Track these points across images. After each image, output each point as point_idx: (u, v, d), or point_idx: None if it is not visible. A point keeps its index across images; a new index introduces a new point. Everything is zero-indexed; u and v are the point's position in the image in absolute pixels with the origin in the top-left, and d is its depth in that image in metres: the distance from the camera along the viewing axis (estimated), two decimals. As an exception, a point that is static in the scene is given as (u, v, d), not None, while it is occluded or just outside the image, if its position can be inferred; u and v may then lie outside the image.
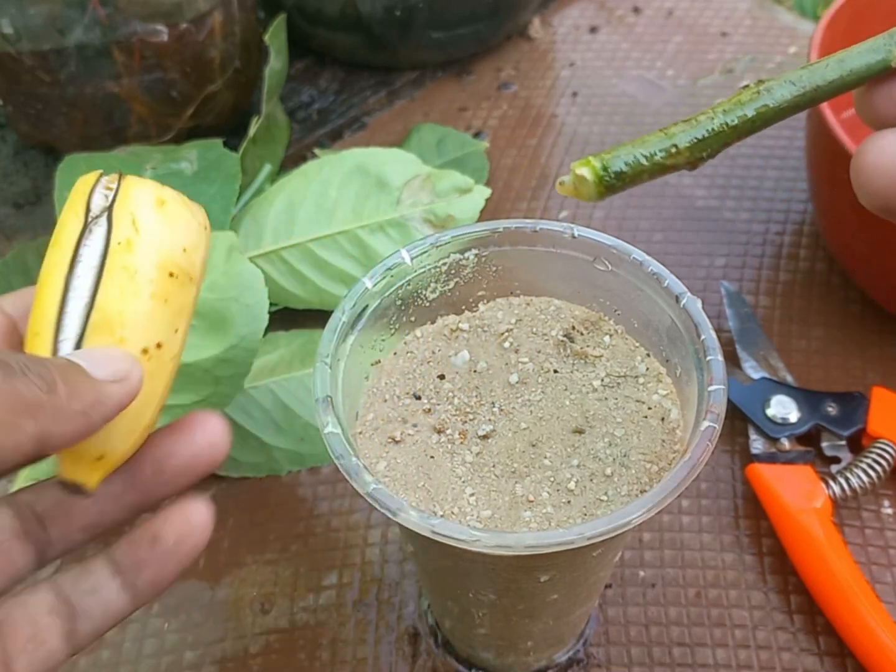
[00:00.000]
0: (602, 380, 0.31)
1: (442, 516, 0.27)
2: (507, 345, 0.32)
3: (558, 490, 0.28)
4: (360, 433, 0.30)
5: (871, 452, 0.42)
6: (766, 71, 0.63)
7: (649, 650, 0.39)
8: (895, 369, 0.47)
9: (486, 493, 0.28)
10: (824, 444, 0.43)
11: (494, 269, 0.32)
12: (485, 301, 0.33)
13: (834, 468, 0.42)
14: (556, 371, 0.31)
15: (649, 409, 0.30)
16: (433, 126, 0.57)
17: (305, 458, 0.43)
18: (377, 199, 0.45)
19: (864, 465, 0.41)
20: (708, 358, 0.28)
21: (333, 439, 0.26)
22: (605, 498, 0.28)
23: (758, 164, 0.57)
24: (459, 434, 0.30)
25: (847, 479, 0.41)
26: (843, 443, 0.43)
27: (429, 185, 0.45)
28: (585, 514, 0.27)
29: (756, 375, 0.45)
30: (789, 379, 0.45)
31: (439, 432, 0.30)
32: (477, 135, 0.59)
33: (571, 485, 0.28)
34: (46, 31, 0.49)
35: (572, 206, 0.56)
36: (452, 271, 0.32)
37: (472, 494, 0.28)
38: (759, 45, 0.65)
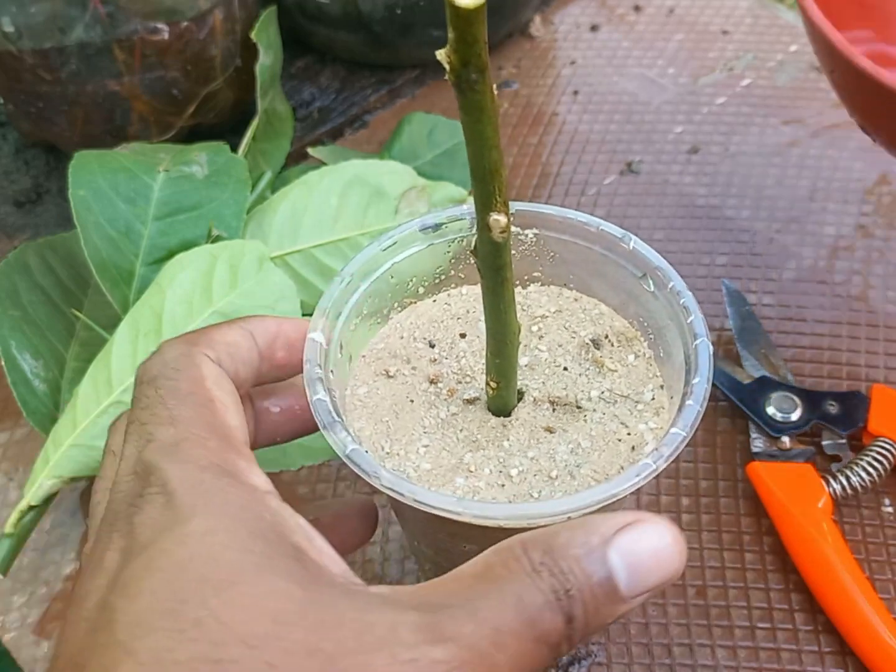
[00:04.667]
0: (602, 392, 0.31)
1: (387, 454, 0.29)
2: (534, 328, 0.32)
3: (500, 472, 0.28)
4: (364, 357, 0.31)
5: (871, 451, 0.42)
6: (766, 69, 0.63)
7: (650, 648, 0.39)
8: (896, 368, 0.47)
9: (437, 450, 0.29)
10: (825, 443, 0.43)
11: (551, 255, 0.33)
12: (539, 284, 0.33)
13: (834, 466, 0.42)
14: (565, 369, 0.31)
15: (628, 434, 0.30)
16: (423, 115, 0.57)
17: (317, 451, 0.44)
18: (377, 208, 0.46)
19: (865, 464, 0.41)
20: (688, 402, 0.28)
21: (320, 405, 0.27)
22: (535, 495, 0.28)
23: (759, 163, 0.57)
24: (448, 391, 0.30)
25: (848, 478, 0.41)
26: (844, 441, 0.43)
27: (424, 195, 0.46)
28: (508, 503, 0.28)
29: (757, 374, 0.45)
30: (790, 377, 0.45)
31: (432, 382, 0.31)
32: (478, 133, 0.59)
33: (513, 472, 0.28)
34: (47, 29, 0.49)
35: (573, 204, 0.55)
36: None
37: (425, 446, 0.29)
38: (760, 44, 0.65)
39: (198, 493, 0.22)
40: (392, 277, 0.31)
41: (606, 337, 0.32)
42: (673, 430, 0.27)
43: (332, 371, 0.29)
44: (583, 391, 0.31)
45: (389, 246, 0.31)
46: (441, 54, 0.20)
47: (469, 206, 0.31)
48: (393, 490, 0.25)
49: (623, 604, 0.22)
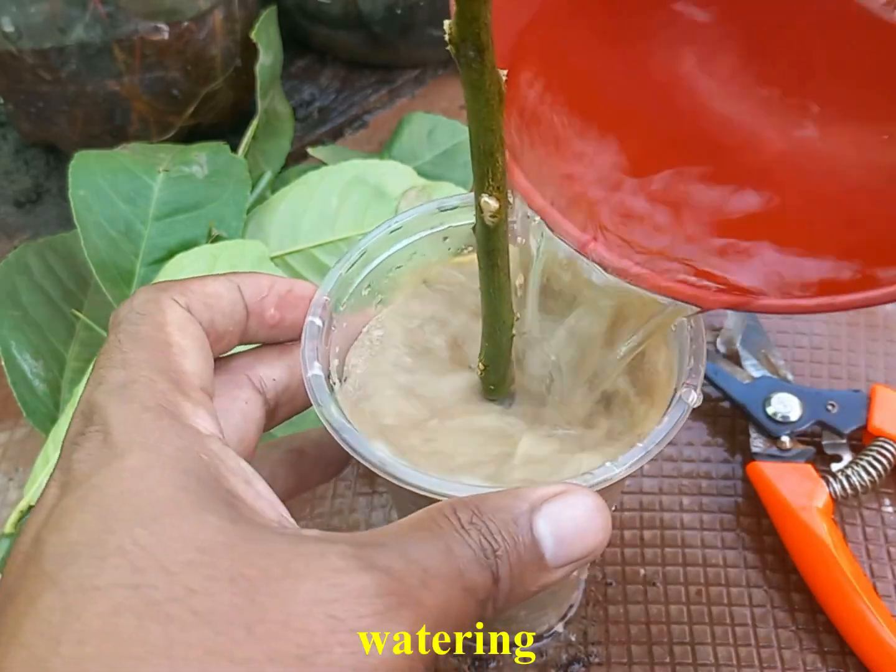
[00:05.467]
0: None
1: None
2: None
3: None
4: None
5: (871, 451, 0.42)
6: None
7: (650, 648, 0.39)
8: (896, 367, 0.47)
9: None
10: (825, 443, 0.43)
11: None
12: None
13: (835, 466, 0.42)
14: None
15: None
16: (423, 115, 0.57)
17: None
18: (376, 209, 0.46)
19: (865, 464, 0.41)
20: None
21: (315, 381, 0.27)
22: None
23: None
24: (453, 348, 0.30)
25: (848, 478, 0.41)
26: (844, 441, 0.43)
27: (424, 196, 0.46)
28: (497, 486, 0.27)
29: (757, 373, 0.45)
30: (790, 377, 0.45)
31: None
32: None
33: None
34: (47, 29, 0.49)
35: (573, 204, 0.55)
36: None
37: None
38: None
39: (136, 431, 0.22)
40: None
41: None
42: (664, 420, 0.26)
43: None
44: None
45: (397, 229, 0.30)
46: (446, 23, 0.20)
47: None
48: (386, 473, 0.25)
49: (548, 572, 0.22)
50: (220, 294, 0.27)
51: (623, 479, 0.25)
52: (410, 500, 0.27)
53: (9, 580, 0.21)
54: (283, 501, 0.24)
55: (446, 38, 0.20)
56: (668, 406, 0.26)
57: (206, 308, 0.26)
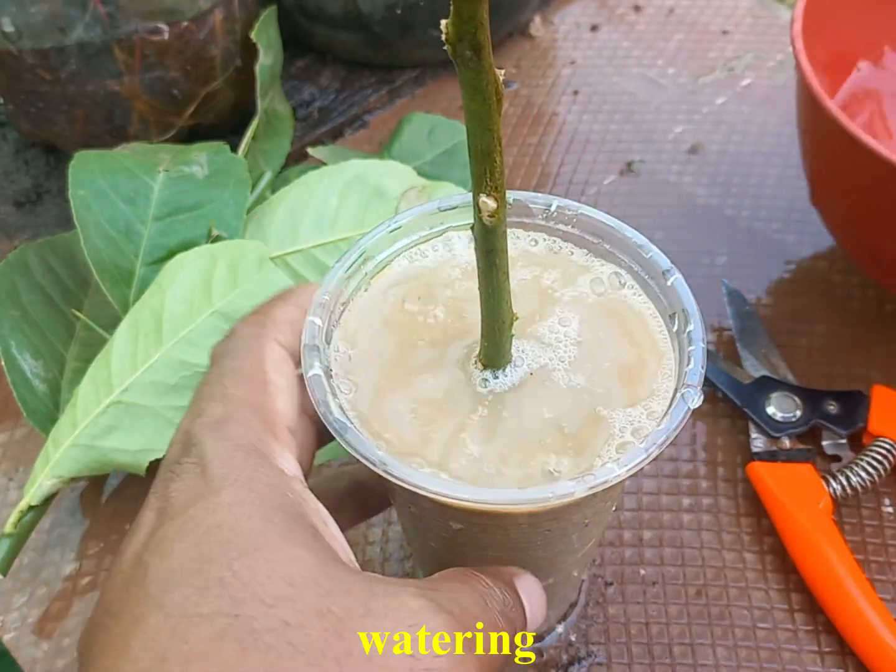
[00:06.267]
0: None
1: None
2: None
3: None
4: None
5: (871, 451, 0.42)
6: (766, 69, 0.63)
7: (650, 648, 0.39)
8: (896, 368, 0.47)
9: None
10: (825, 443, 0.43)
11: None
12: None
13: (834, 466, 0.42)
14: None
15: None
16: (423, 115, 0.57)
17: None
18: (376, 208, 0.46)
19: (865, 464, 0.41)
20: (690, 348, 0.27)
21: (315, 381, 0.27)
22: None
23: (759, 162, 0.57)
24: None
25: (847, 478, 0.41)
26: (844, 441, 0.43)
27: (424, 196, 0.46)
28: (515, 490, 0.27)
29: (757, 373, 0.45)
30: (790, 377, 0.45)
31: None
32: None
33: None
34: (47, 29, 0.49)
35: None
36: None
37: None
38: (759, 43, 0.65)
39: (230, 468, 0.24)
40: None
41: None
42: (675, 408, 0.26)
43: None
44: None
45: (396, 229, 0.30)
46: (443, 23, 0.20)
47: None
48: (392, 476, 0.25)
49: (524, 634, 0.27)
50: (297, 321, 0.29)
51: (623, 480, 0.25)
52: (410, 501, 0.27)
53: (109, 598, 0.23)
54: (348, 529, 0.27)
55: (443, 37, 0.20)
56: (669, 406, 0.26)
57: (294, 339, 0.28)
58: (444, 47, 0.20)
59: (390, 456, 0.25)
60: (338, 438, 0.25)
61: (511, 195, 0.30)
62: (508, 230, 0.25)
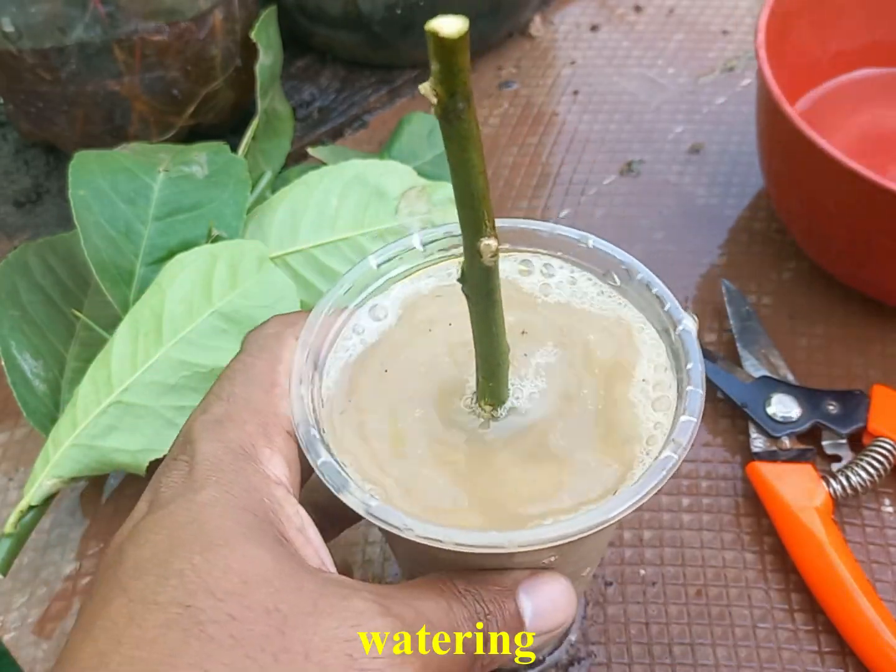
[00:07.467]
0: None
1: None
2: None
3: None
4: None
5: (871, 451, 0.42)
6: (767, 69, 0.63)
7: (650, 648, 0.39)
8: (896, 367, 0.47)
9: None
10: (825, 443, 0.43)
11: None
12: None
13: (834, 466, 0.42)
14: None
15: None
16: (423, 115, 0.57)
17: None
18: (376, 208, 0.46)
19: (865, 464, 0.41)
20: (688, 388, 0.27)
21: (298, 406, 0.27)
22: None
23: (759, 163, 0.57)
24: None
25: (847, 478, 0.41)
26: (844, 441, 0.43)
27: (424, 195, 0.46)
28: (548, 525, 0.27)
29: (757, 373, 0.45)
30: (790, 377, 0.45)
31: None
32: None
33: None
34: (47, 29, 0.49)
35: (573, 204, 0.56)
36: None
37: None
38: (760, 44, 0.65)
39: (214, 469, 0.25)
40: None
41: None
42: (683, 418, 0.26)
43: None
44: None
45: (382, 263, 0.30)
46: (425, 88, 0.19)
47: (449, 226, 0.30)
48: (428, 538, 0.24)
49: (525, 639, 0.27)
50: None
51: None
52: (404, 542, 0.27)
53: (92, 581, 0.26)
54: (340, 533, 0.31)
55: (432, 100, 0.19)
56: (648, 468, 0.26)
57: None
58: (433, 110, 0.19)
59: (381, 504, 0.25)
60: (365, 516, 0.25)
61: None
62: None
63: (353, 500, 0.25)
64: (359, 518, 0.32)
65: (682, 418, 0.26)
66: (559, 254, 0.31)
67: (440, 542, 0.24)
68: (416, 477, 0.27)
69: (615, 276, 0.31)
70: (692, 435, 0.26)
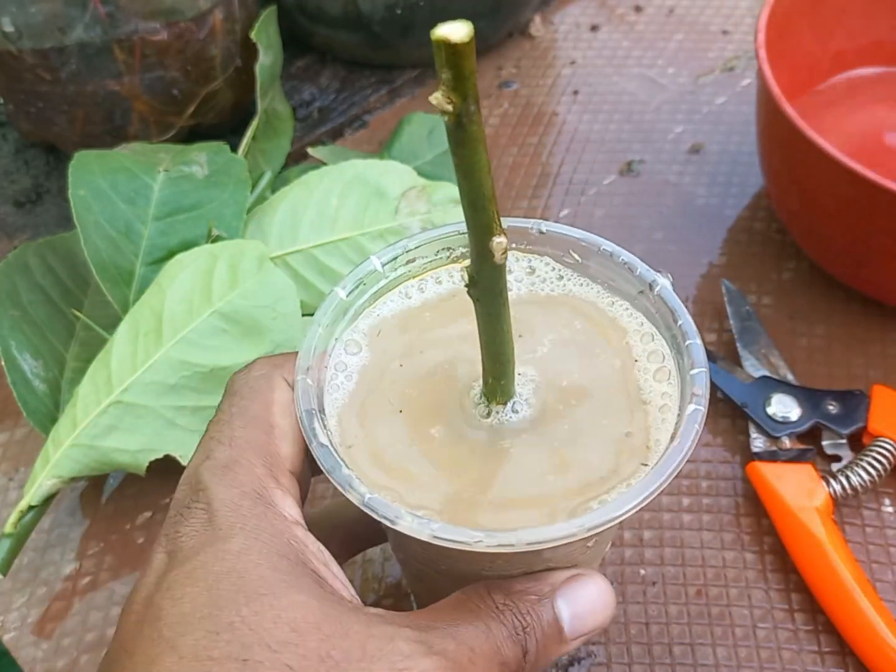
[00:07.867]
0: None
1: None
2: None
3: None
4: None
5: (871, 451, 0.42)
6: (767, 69, 0.63)
7: (650, 648, 0.39)
8: (896, 367, 0.47)
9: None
10: (825, 443, 0.43)
11: None
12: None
13: (834, 466, 0.42)
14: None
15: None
16: (423, 115, 0.57)
17: None
18: (376, 208, 0.46)
19: (865, 464, 0.41)
20: (687, 342, 0.27)
21: (322, 452, 0.26)
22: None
23: (759, 163, 0.57)
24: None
25: (848, 478, 0.41)
26: (844, 441, 0.43)
27: (424, 195, 0.46)
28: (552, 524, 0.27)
29: (757, 373, 0.45)
30: (790, 377, 0.45)
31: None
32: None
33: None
34: (47, 29, 0.49)
35: (573, 204, 0.56)
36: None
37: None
38: (760, 43, 0.65)
39: (237, 515, 0.25)
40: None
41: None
42: (692, 371, 0.26)
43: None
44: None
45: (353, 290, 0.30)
46: (437, 98, 0.19)
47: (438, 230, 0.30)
48: (501, 545, 0.24)
49: (565, 644, 0.27)
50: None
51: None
52: (408, 540, 0.27)
53: (123, 635, 0.25)
54: (351, 557, 0.32)
55: (447, 108, 0.19)
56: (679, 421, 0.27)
57: None
58: (444, 118, 0.19)
59: (384, 500, 0.25)
60: (329, 477, 0.26)
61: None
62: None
63: (412, 527, 0.25)
64: (380, 541, 0.33)
65: (692, 371, 0.27)
66: (513, 245, 0.31)
67: (512, 545, 0.24)
68: (458, 495, 0.27)
69: (574, 255, 0.31)
70: (707, 385, 0.26)
